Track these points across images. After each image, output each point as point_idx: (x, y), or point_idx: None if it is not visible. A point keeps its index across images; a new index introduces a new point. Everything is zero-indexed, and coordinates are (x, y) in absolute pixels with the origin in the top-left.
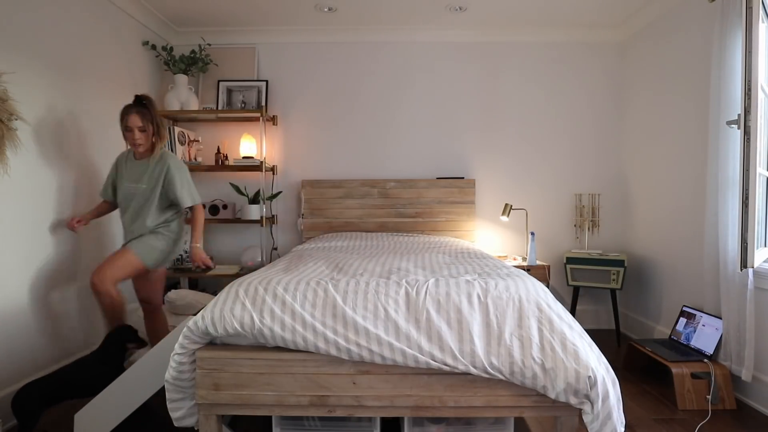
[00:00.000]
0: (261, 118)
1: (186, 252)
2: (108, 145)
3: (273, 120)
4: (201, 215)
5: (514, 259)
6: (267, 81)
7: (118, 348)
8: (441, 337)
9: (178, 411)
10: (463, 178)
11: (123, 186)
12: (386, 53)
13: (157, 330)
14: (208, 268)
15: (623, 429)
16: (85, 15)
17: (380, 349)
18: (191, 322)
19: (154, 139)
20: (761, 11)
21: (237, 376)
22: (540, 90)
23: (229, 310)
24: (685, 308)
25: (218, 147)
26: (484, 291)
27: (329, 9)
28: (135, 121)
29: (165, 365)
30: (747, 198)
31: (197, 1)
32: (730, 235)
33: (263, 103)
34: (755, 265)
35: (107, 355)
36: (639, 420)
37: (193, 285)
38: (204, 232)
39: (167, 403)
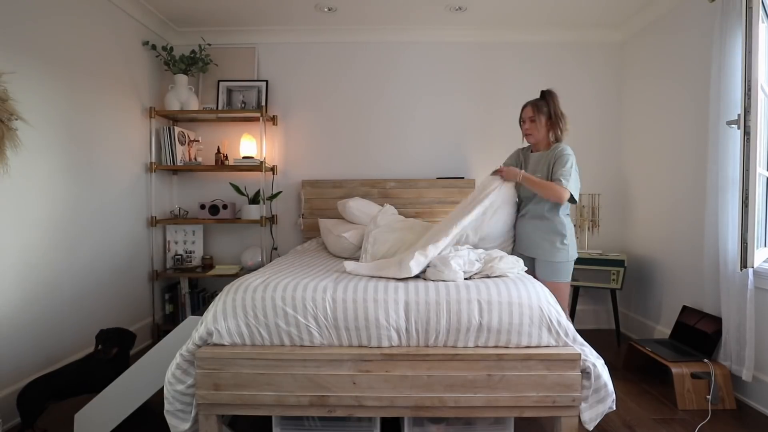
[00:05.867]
0: (261, 118)
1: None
2: (108, 144)
3: (273, 120)
4: (555, 189)
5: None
6: (267, 81)
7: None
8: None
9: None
10: (463, 178)
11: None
12: (386, 53)
13: None
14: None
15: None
16: (85, 15)
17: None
18: (191, 344)
19: (551, 133)
20: (761, 11)
21: (237, 376)
22: (540, 90)
23: (224, 326)
24: (685, 308)
25: (218, 147)
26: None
27: (329, 9)
28: (527, 111)
29: (165, 365)
30: (747, 198)
31: (197, 1)
32: (730, 235)
33: (263, 103)
34: (755, 265)
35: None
36: (639, 420)
37: (194, 285)
38: (204, 232)
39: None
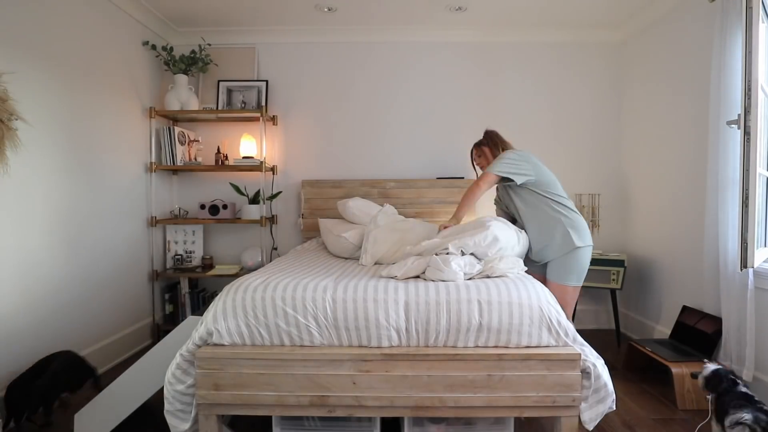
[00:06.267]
0: (261, 118)
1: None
2: (108, 144)
3: (273, 120)
4: (472, 185)
5: None
6: (267, 81)
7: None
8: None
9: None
10: (463, 178)
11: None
12: (386, 53)
13: None
14: None
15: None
16: (85, 15)
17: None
18: (191, 344)
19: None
20: (761, 11)
21: (237, 376)
22: (540, 90)
23: (224, 326)
24: (685, 308)
25: (218, 147)
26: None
27: (329, 9)
28: (472, 154)
29: (165, 365)
30: (747, 198)
31: (197, 1)
32: (730, 235)
33: (263, 103)
34: (755, 265)
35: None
36: (639, 420)
37: (194, 285)
38: (204, 232)
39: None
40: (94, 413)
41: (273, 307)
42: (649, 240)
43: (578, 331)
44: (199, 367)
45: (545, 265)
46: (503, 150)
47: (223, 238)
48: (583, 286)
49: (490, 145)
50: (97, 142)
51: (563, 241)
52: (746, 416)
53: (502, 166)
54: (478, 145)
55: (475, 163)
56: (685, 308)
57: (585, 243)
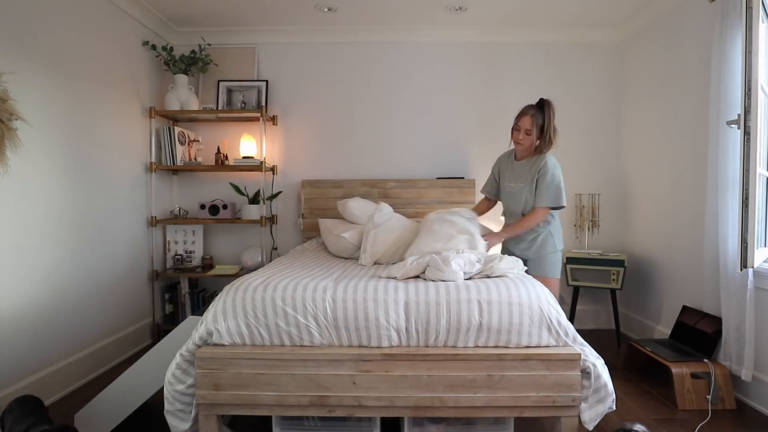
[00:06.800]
0: (261, 118)
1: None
2: (108, 144)
3: (273, 120)
4: (536, 217)
5: None
6: (267, 81)
7: None
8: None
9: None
10: (463, 178)
11: (504, 186)
12: (386, 53)
13: None
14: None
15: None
16: (85, 15)
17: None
18: (191, 344)
19: (539, 143)
20: (761, 11)
21: (237, 376)
22: (540, 90)
23: (224, 326)
24: (685, 308)
25: (218, 147)
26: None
27: (329, 9)
28: (525, 123)
29: (165, 365)
30: (747, 198)
31: (197, 1)
32: (730, 235)
33: (263, 103)
34: (755, 265)
35: None
36: (639, 420)
37: (194, 285)
38: (204, 232)
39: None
40: (94, 413)
41: (273, 307)
42: (649, 240)
43: (578, 331)
44: (199, 367)
45: (525, 261)
46: (548, 143)
47: (223, 238)
48: (583, 286)
49: (544, 129)
50: (97, 142)
51: (543, 243)
52: None
53: (562, 197)
54: (534, 121)
55: (516, 133)
56: (685, 308)
57: (560, 247)
